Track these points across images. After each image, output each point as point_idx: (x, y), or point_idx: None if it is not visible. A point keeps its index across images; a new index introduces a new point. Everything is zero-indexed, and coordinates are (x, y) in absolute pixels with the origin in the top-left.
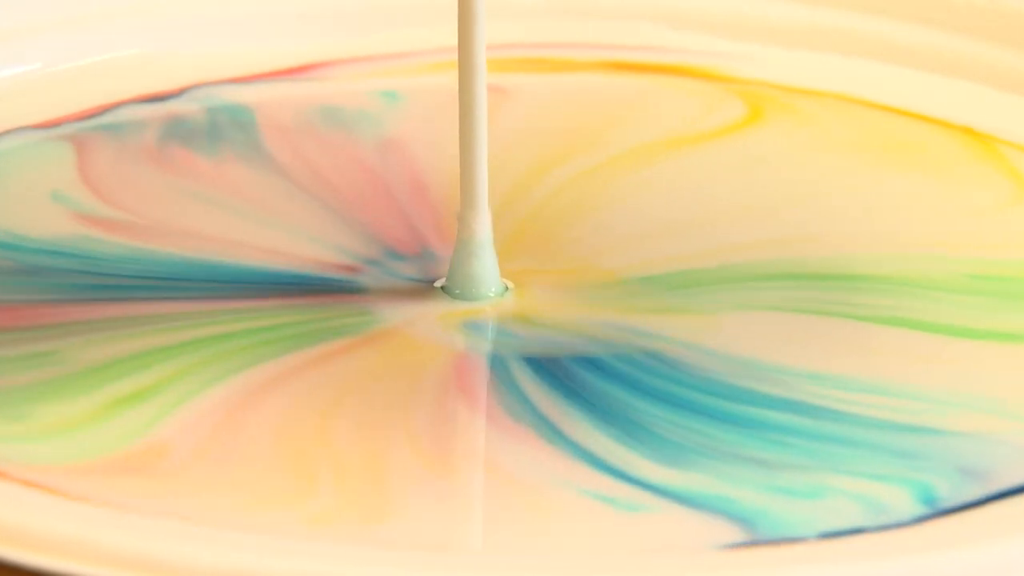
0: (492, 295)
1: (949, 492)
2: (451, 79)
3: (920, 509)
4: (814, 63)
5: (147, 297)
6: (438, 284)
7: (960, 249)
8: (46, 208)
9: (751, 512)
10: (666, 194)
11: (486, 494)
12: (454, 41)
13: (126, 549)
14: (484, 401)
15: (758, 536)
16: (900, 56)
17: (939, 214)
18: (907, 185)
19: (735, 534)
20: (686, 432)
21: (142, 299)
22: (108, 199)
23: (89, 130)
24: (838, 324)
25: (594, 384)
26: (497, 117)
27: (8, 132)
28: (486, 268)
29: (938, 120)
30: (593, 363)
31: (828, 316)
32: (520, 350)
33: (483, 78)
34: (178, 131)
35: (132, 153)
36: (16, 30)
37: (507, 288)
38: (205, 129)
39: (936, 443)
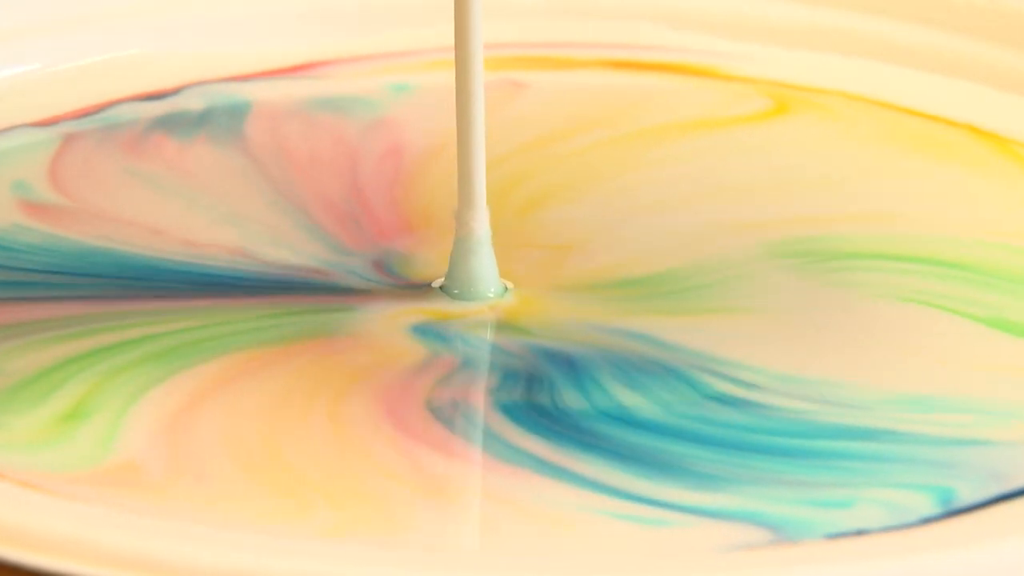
0: (491, 295)
1: (969, 495)
2: (452, 77)
3: (934, 510)
4: (814, 63)
5: (63, 297)
6: (436, 284)
7: None
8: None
9: (776, 519)
10: (678, 175)
11: (485, 502)
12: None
13: (125, 549)
14: (479, 450)
15: (774, 539)
16: (900, 56)
17: (992, 206)
18: (947, 178)
19: (758, 538)
20: (718, 465)
21: (57, 299)
22: (61, 187)
23: (84, 127)
24: (884, 311)
25: (618, 435)
26: (504, 111)
27: (7, 131)
28: (484, 267)
29: (942, 119)
30: (607, 414)
31: (881, 300)
32: (516, 397)
33: (480, 77)
34: (167, 122)
35: (112, 143)
36: (16, 30)
37: (507, 288)
38: (194, 119)
39: (976, 453)
